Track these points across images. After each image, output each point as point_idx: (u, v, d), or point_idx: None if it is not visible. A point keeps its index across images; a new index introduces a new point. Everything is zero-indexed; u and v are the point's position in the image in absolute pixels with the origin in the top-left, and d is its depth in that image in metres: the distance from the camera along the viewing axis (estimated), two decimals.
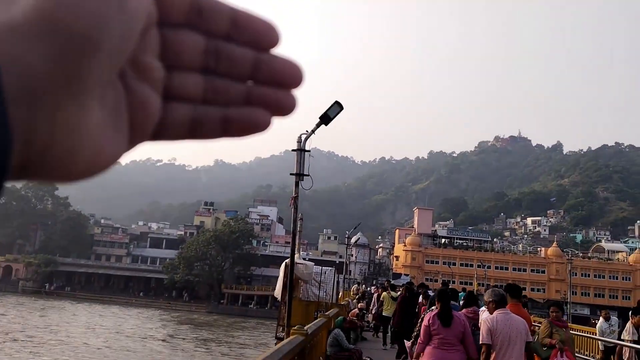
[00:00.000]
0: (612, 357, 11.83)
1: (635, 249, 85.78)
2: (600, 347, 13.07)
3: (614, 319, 13.83)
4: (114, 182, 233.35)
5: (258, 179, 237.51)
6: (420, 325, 6.96)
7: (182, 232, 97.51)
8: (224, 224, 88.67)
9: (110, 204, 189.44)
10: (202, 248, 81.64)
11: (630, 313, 10.44)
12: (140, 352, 33.22)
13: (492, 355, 5.48)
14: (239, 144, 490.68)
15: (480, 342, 5.76)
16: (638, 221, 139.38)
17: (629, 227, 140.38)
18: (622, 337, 9.51)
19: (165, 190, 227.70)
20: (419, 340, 6.58)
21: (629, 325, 9.63)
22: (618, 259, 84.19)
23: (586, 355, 14.10)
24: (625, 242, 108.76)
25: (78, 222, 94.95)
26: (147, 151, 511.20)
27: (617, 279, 78.13)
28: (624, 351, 9.16)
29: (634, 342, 8.78)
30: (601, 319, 13.58)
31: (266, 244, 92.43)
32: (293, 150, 7.67)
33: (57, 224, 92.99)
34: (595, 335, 13.53)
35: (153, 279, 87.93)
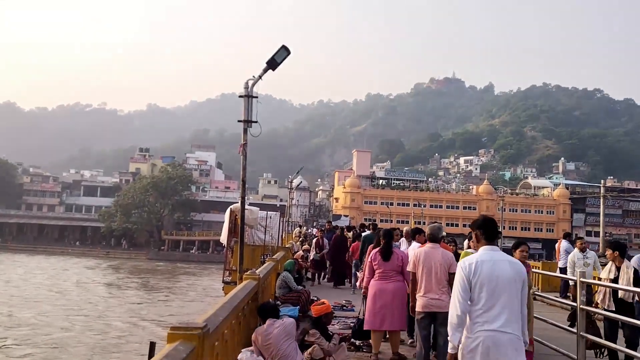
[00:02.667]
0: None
1: (559, 184, 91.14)
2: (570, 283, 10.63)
3: (592, 252, 11.45)
4: (41, 129, 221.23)
5: (194, 124, 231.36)
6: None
7: (118, 180, 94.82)
8: (161, 170, 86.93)
9: (38, 152, 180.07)
10: (139, 195, 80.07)
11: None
12: (86, 300, 32.78)
13: (417, 282, 6.00)
14: (173, 87, 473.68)
15: (407, 270, 6.45)
16: (562, 158, 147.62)
17: (553, 164, 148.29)
18: (601, 277, 7.61)
19: (96, 136, 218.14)
20: (366, 275, 7.37)
21: (610, 264, 7.45)
22: (543, 194, 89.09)
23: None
24: (550, 178, 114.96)
25: (5, 170, 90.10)
26: (75, 95, 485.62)
27: (542, 213, 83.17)
28: (600, 292, 7.36)
29: (612, 281, 7.00)
30: (575, 249, 11.24)
31: (206, 189, 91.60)
32: (240, 96, 7.54)
33: None
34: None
35: (89, 228, 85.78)
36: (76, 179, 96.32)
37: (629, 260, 7.22)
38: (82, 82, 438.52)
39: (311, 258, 15.44)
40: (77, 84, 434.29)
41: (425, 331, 5.95)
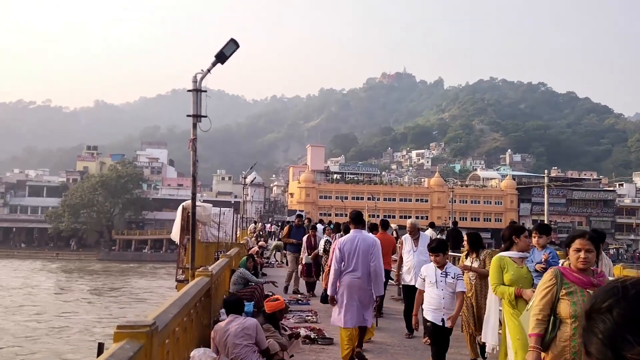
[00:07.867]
0: None
1: (506, 175, 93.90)
2: None
3: None
4: None
5: (144, 121, 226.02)
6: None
7: (65, 179, 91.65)
8: (111, 168, 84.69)
9: None
10: (87, 194, 77.77)
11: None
12: (34, 305, 31.55)
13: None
14: (121, 83, 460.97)
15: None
16: (509, 150, 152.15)
17: (501, 156, 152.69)
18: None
19: (41, 135, 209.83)
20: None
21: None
22: (492, 185, 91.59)
23: None
24: (497, 169, 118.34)
25: None
26: (17, 93, 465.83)
27: (490, 203, 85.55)
28: None
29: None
30: None
31: (157, 187, 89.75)
32: (189, 90, 7.41)
33: None
34: None
35: (36, 229, 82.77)
36: (20, 178, 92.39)
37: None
38: (25, 78, 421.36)
39: (303, 262, 13.24)
40: (19, 80, 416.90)
41: None
